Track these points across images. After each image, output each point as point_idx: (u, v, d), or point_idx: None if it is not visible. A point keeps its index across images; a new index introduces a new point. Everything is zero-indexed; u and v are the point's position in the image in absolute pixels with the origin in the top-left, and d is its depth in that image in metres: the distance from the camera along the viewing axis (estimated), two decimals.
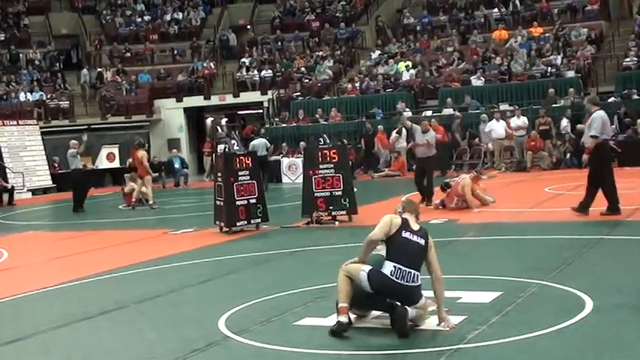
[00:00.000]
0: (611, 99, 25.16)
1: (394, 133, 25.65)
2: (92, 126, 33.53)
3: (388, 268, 6.52)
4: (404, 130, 25.67)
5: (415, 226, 6.72)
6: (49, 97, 33.72)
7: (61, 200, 25.79)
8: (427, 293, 6.96)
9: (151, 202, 19.73)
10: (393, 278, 6.48)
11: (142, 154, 20.37)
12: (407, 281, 6.50)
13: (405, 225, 6.65)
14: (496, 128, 24.03)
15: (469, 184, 15.06)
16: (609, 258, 9.59)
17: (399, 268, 6.49)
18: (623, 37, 29.95)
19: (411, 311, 6.48)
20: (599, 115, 12.72)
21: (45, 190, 28.92)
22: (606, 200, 12.88)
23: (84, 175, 21.38)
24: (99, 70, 35.78)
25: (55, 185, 29.31)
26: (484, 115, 25.07)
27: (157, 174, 28.39)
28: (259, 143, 24.27)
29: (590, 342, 6.08)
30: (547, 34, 30.74)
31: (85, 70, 35.88)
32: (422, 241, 6.64)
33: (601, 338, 6.16)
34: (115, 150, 30.99)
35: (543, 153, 23.39)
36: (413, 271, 6.52)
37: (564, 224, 12.38)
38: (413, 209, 6.91)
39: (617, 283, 8.05)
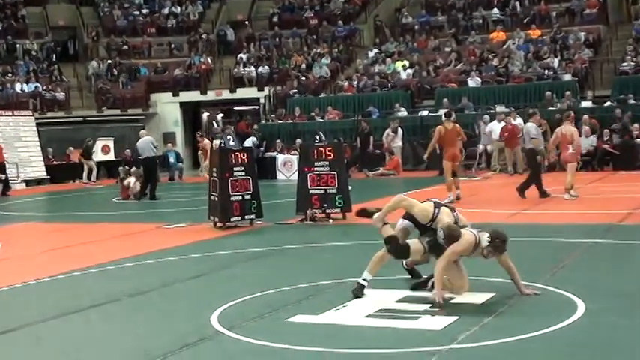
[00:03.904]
0: (607, 103, 25.22)
1: (390, 132, 25.78)
2: (88, 118, 33.52)
3: None
4: (399, 130, 25.87)
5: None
6: (44, 88, 33.63)
7: (55, 192, 25.76)
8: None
9: None
10: None
11: (206, 142, 21.19)
12: None
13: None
14: (496, 130, 24.00)
15: (574, 131, 15.76)
16: (602, 261, 9.63)
17: None
18: (621, 41, 30.00)
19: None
20: None
21: (39, 182, 28.88)
22: None
23: (155, 164, 21.34)
24: (109, 62, 35.67)
25: (49, 177, 29.26)
26: (486, 116, 25.04)
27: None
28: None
29: (582, 345, 6.10)
30: (545, 37, 30.75)
31: (94, 62, 35.77)
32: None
33: (592, 341, 6.18)
34: (111, 143, 30.96)
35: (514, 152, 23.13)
36: None
37: (558, 227, 12.41)
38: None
39: (609, 286, 8.07)
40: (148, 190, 20.43)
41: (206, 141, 22.35)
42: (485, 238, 7.51)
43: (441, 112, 26.42)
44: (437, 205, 7.91)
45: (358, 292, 7.78)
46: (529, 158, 16.63)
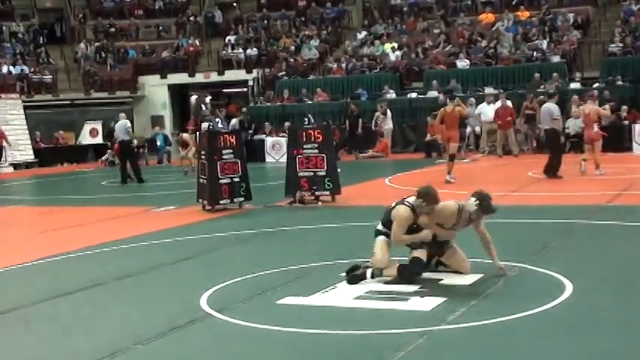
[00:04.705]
0: (596, 84, 25.25)
1: (380, 114, 25.75)
2: (75, 101, 33.33)
3: None
4: (388, 112, 25.86)
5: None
6: (32, 70, 33.39)
7: (43, 175, 25.66)
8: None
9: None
10: None
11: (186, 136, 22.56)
12: None
13: None
14: (486, 111, 24.03)
15: (596, 109, 16.61)
16: (590, 242, 9.67)
17: None
18: (609, 22, 30.00)
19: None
20: None
21: (27, 165, 28.76)
22: None
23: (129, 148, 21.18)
24: (97, 44, 35.41)
25: (37, 160, 29.14)
26: (472, 98, 25.08)
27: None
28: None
29: (570, 325, 6.13)
30: (533, 19, 30.72)
31: (82, 45, 35.50)
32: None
33: (580, 321, 6.22)
34: (99, 125, 30.82)
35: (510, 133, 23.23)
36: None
37: (547, 208, 12.46)
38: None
39: (597, 266, 8.12)
40: (134, 174, 20.39)
41: (185, 135, 22.52)
42: (472, 202, 7.52)
43: (430, 94, 26.72)
44: (400, 202, 7.73)
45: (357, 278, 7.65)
46: (552, 138, 16.75)
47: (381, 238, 7.76)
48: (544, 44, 28.61)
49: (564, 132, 17.85)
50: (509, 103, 23.60)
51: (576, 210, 11.90)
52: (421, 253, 7.61)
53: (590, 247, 9.36)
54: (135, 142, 21.55)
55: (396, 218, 7.57)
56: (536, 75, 26.07)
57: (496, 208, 7.65)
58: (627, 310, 6.47)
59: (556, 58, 27.52)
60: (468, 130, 24.72)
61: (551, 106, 16.60)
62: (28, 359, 6.00)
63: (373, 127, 25.82)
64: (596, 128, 16.61)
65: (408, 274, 7.47)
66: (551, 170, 16.18)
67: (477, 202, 7.51)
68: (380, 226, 7.84)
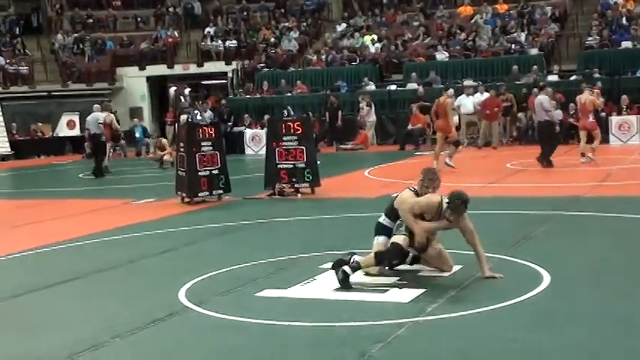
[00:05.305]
0: (573, 77, 25.41)
1: (365, 107, 25.73)
2: (52, 93, 33.04)
3: None
4: (372, 104, 25.88)
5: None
6: (7, 62, 33.03)
7: (19, 168, 25.45)
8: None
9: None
10: None
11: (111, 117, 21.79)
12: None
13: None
14: (465, 103, 24.10)
15: (592, 99, 16.90)
16: (567, 233, 9.73)
17: None
18: (587, 15, 30.20)
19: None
20: None
21: (3, 158, 28.49)
22: None
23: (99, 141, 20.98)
24: (75, 36, 35.11)
25: (13, 152, 28.87)
26: (451, 89, 25.11)
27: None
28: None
29: (546, 315, 6.16)
30: (512, 11, 30.88)
31: (59, 36, 35.15)
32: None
33: (557, 311, 6.26)
34: (76, 117, 30.56)
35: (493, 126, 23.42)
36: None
37: (525, 199, 12.52)
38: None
39: (574, 257, 8.18)
40: (95, 165, 20.28)
41: (164, 140, 22.83)
42: (445, 199, 7.37)
43: (410, 86, 26.78)
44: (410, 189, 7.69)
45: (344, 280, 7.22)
46: (545, 130, 16.89)
47: (381, 240, 7.60)
48: (522, 37, 28.75)
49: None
50: (484, 95, 23.72)
51: (555, 201, 11.97)
52: (401, 240, 7.35)
53: (568, 238, 9.42)
54: (111, 116, 21.56)
55: (401, 203, 7.45)
56: (515, 67, 26.21)
57: (463, 211, 7.30)
58: (604, 300, 6.52)
59: (534, 51, 27.68)
60: None
61: (542, 99, 16.75)
62: (4, 354, 5.94)
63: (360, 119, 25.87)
64: (591, 118, 16.84)
65: (386, 259, 7.35)
66: (545, 159, 16.32)
67: (448, 200, 7.26)
68: (382, 218, 7.70)
